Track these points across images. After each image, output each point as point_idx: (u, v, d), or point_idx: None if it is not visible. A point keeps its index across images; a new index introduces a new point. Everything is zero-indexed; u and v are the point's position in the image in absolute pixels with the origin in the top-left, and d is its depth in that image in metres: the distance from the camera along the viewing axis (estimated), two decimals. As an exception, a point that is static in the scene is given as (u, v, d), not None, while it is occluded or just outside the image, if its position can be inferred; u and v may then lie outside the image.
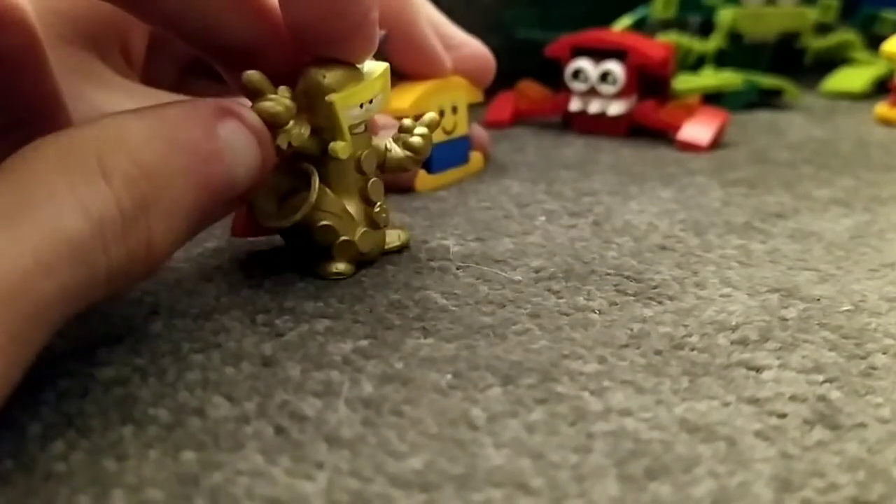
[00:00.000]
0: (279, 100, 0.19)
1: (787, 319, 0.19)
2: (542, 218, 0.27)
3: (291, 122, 0.20)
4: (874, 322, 0.19)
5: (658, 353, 0.18)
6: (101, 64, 0.25)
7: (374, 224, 0.22)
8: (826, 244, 0.25)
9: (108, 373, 0.17)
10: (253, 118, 0.19)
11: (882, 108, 0.42)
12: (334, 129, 0.21)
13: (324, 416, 0.15)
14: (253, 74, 0.19)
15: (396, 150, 0.23)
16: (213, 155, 0.17)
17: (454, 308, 0.20)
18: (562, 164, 0.34)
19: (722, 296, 0.21)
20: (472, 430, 0.15)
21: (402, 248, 0.24)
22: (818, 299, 0.20)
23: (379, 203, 0.22)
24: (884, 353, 0.18)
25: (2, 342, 0.13)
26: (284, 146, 0.20)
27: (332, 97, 0.20)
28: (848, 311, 0.20)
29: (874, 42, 0.53)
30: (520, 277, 0.22)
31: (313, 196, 0.20)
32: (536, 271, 0.22)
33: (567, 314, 0.20)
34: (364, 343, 0.18)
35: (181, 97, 0.22)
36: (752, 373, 0.17)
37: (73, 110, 0.23)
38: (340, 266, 0.22)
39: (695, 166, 0.34)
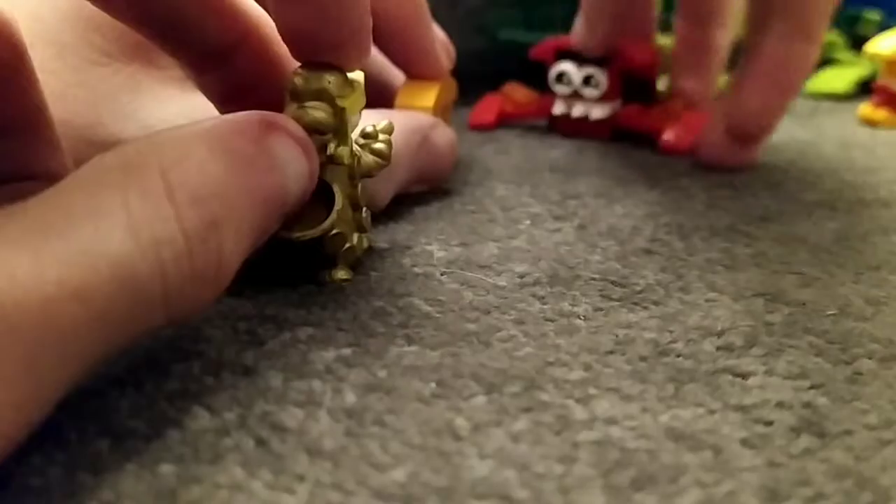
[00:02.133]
0: (324, 106, 0.19)
1: (772, 324, 0.19)
2: (527, 222, 0.27)
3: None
4: (859, 326, 0.19)
5: (643, 359, 0.18)
6: (151, 77, 0.25)
7: (362, 229, 0.22)
8: (811, 247, 0.25)
9: (84, 384, 0.16)
10: (296, 128, 0.19)
11: (865, 108, 0.43)
12: (340, 133, 0.21)
13: (305, 426, 0.15)
14: (303, 78, 0.19)
15: (366, 156, 0.22)
16: (269, 169, 0.17)
17: (438, 315, 0.20)
18: (547, 167, 0.34)
19: (707, 301, 0.21)
20: (455, 440, 0.15)
21: (369, 250, 0.23)
22: (803, 304, 0.20)
23: (364, 208, 0.22)
24: (869, 359, 0.18)
25: (12, 372, 0.12)
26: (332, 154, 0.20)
27: (343, 102, 0.20)
28: (833, 315, 0.20)
29: (857, 43, 0.53)
30: (504, 283, 0.22)
31: (339, 204, 0.20)
32: (521, 277, 0.22)
33: (552, 320, 0.20)
34: (347, 351, 0.18)
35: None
36: (738, 379, 0.17)
37: (121, 129, 0.23)
38: (342, 273, 0.22)
39: (679, 169, 0.34)
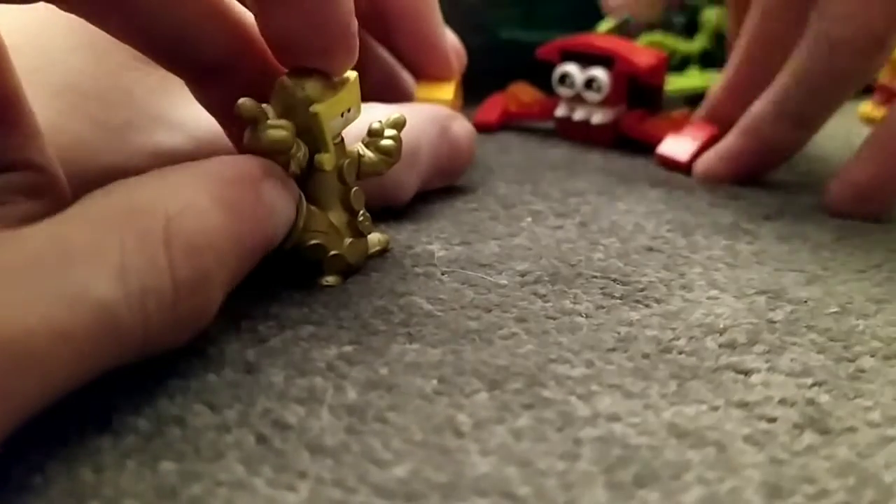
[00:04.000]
0: (284, 124, 0.19)
1: (774, 322, 0.19)
2: (529, 219, 0.27)
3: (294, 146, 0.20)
4: (861, 324, 0.19)
5: (646, 356, 0.18)
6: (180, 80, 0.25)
7: (359, 233, 0.22)
8: (812, 246, 0.25)
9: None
10: (283, 175, 0.19)
11: (866, 107, 0.43)
12: (318, 140, 0.20)
13: (307, 423, 0.15)
14: (248, 103, 0.19)
15: (370, 155, 0.22)
16: (263, 218, 0.18)
17: (439, 313, 0.20)
18: (549, 165, 0.34)
19: (709, 298, 0.21)
20: (457, 437, 0.15)
21: (383, 251, 0.23)
22: (805, 301, 0.20)
23: (361, 212, 0.22)
24: (872, 356, 0.17)
25: None
26: (298, 172, 0.20)
27: (316, 108, 0.20)
28: (835, 312, 0.20)
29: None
30: (505, 281, 0.22)
31: (301, 222, 0.20)
32: (522, 275, 0.22)
33: (554, 318, 0.20)
34: (348, 349, 0.18)
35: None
36: (741, 376, 0.17)
37: (153, 129, 0.23)
38: (330, 279, 0.21)
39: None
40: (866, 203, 0.28)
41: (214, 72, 0.20)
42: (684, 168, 0.34)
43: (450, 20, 0.32)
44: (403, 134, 0.23)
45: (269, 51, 0.20)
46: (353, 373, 0.17)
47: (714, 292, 0.21)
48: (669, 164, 0.34)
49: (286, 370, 0.17)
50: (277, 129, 0.19)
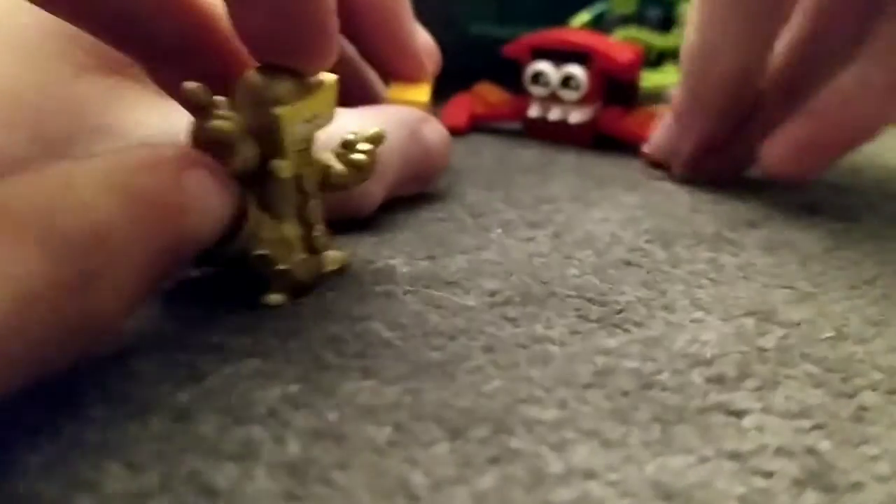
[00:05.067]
0: (230, 115, 0.17)
1: (765, 350, 0.18)
2: (499, 230, 0.25)
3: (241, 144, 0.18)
4: (860, 351, 0.18)
5: (625, 394, 0.16)
6: (130, 90, 0.23)
7: (313, 249, 0.20)
8: (801, 257, 0.23)
9: (-10, 434, 0.14)
10: (217, 166, 0.17)
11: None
12: (277, 145, 0.18)
13: (239, 487, 0.13)
14: (194, 87, 0.17)
15: (339, 167, 0.21)
16: (179, 211, 0.16)
17: (399, 342, 0.18)
18: (520, 168, 0.32)
19: (693, 321, 0.19)
20: (411, 501, 0.13)
21: (340, 270, 0.21)
22: (798, 324, 0.19)
23: (318, 226, 0.20)
24: (873, 391, 0.16)
25: None
26: (240, 170, 0.18)
27: (278, 110, 0.18)
28: (830, 338, 0.18)
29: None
30: (473, 303, 0.20)
31: (250, 227, 0.18)
32: (491, 294, 0.20)
33: (524, 346, 0.18)
34: (294, 388, 0.16)
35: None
36: (732, 419, 0.15)
37: (96, 142, 0.22)
38: (275, 297, 0.20)
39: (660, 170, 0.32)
40: (802, 161, 0.26)
41: (170, 57, 0.18)
42: (669, 167, 0.32)
43: (417, 15, 0.30)
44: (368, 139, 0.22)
45: (235, 41, 0.19)
46: (298, 419, 0.15)
47: (698, 314, 0.19)
48: (656, 166, 0.33)
49: (222, 417, 0.15)
50: (222, 121, 0.17)
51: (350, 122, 0.24)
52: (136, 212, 0.15)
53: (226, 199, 0.17)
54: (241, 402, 0.15)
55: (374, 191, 0.25)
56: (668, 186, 0.30)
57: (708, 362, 0.17)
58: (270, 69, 0.18)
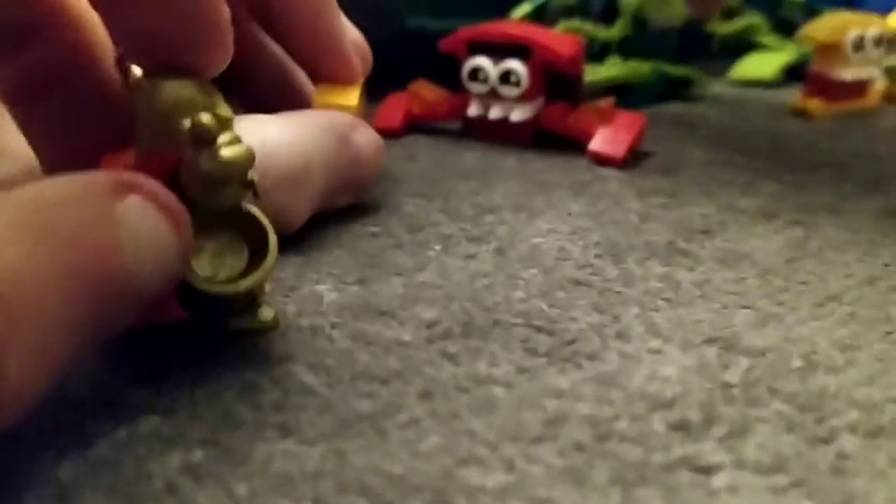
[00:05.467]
0: (237, 137, 0.16)
1: (731, 386, 0.16)
2: (438, 247, 0.23)
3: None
4: (832, 383, 0.16)
5: (580, 448, 0.14)
6: None
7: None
8: (761, 270, 0.21)
9: None
10: (163, 191, 0.14)
11: (797, 98, 0.40)
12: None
13: None
14: (206, 118, 0.15)
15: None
16: (110, 247, 0.13)
17: (324, 389, 0.16)
18: (460, 174, 0.30)
19: (651, 351, 0.17)
20: None
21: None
22: (763, 353, 0.17)
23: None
24: (852, 433, 0.14)
25: None
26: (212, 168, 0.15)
27: (204, 119, 0.16)
28: (799, 368, 0.17)
29: (781, 26, 0.51)
30: (409, 337, 0.18)
31: (274, 253, 0.16)
32: (429, 326, 0.18)
33: (465, 390, 0.16)
34: (199, 455, 0.14)
35: None
36: (700, 476, 0.13)
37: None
38: (270, 312, 0.18)
39: (607, 172, 0.30)
40: None
41: (5, 41, 0.16)
42: (619, 164, 0.31)
43: (349, 6, 0.27)
44: (292, 150, 0.20)
45: (83, 24, 0.16)
46: (199, 497, 0.13)
47: (656, 343, 0.18)
48: (602, 161, 0.31)
49: (108, 498, 0.13)
50: (235, 147, 0.15)
51: (271, 130, 0.22)
52: (54, 252, 0.12)
53: (173, 227, 0.14)
54: (134, 475, 0.13)
55: (298, 205, 0.22)
56: (615, 188, 0.28)
57: (669, 404, 0.15)
58: (163, 74, 0.16)
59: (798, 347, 0.17)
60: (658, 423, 0.15)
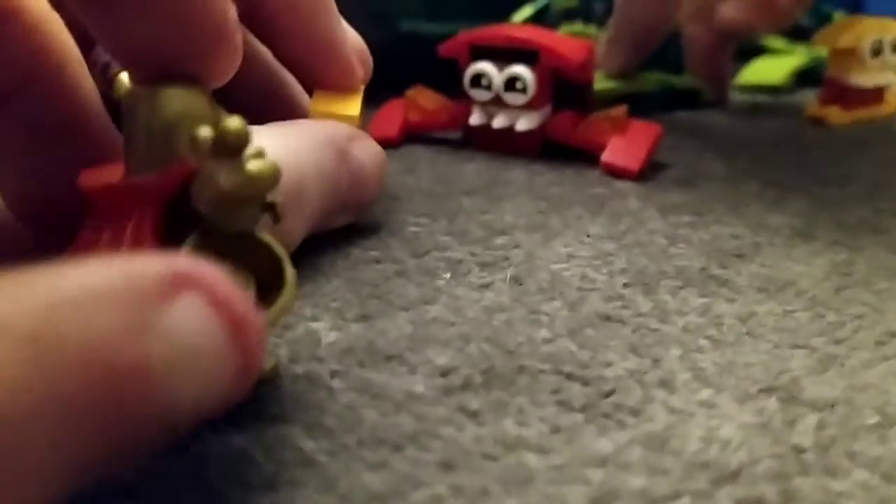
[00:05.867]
0: (262, 151, 0.14)
1: (803, 450, 0.14)
2: (447, 275, 0.21)
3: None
4: (918, 445, 0.14)
5: (638, 536, 0.12)
6: None
7: None
8: (808, 301, 0.19)
9: None
10: (226, 287, 0.11)
11: (813, 105, 0.38)
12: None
13: None
14: (238, 122, 0.13)
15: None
16: (134, 369, 0.09)
17: (324, 458, 0.13)
18: (464, 188, 0.28)
19: (702, 405, 0.15)
20: None
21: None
22: (832, 405, 0.15)
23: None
24: (956, 512, 0.12)
25: None
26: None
27: (203, 132, 0.14)
28: (877, 425, 0.14)
29: (789, 29, 0.49)
30: (421, 388, 0.15)
31: (292, 289, 0.14)
32: (444, 373, 0.16)
33: (493, 458, 0.13)
34: (176, 552, 0.11)
35: None
36: (789, 577, 0.11)
37: None
38: (272, 360, 0.16)
39: (622, 186, 0.28)
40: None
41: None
42: (634, 176, 0.28)
43: (342, 10, 0.25)
44: (285, 165, 0.17)
45: (42, 29, 0.15)
46: None
47: (706, 393, 0.15)
48: (617, 173, 0.29)
49: None
50: (262, 160, 0.13)
51: (261, 143, 0.19)
52: (53, 375, 0.09)
53: (232, 338, 0.10)
54: (97, 584, 0.11)
55: (293, 227, 0.20)
56: (635, 205, 0.26)
57: (735, 475, 0.13)
58: (161, 84, 0.14)
59: (869, 398, 0.15)
60: (726, 500, 0.12)
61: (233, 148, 0.13)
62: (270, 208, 0.14)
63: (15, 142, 0.17)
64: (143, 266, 0.10)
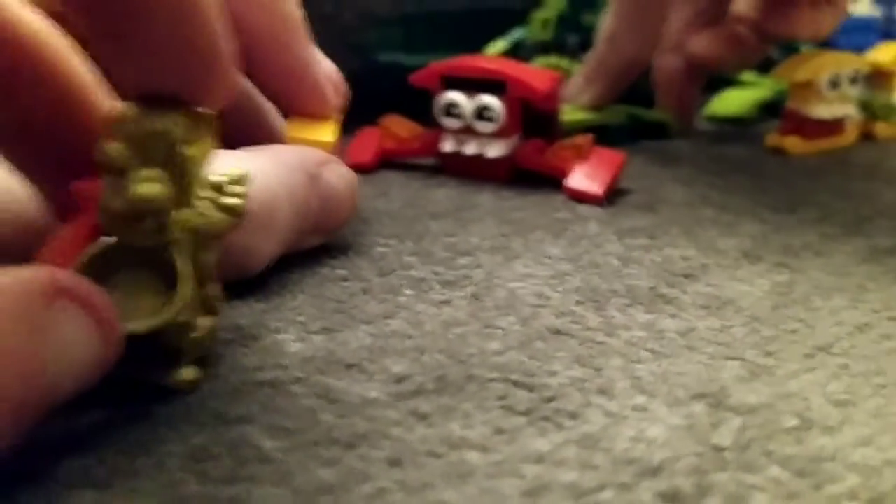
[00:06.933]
0: (157, 176, 0.15)
1: (722, 449, 0.15)
2: (409, 292, 0.22)
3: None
4: (829, 445, 0.15)
5: (563, 523, 0.13)
6: None
7: (212, 310, 0.17)
8: (746, 318, 0.20)
9: None
10: (92, 293, 0.14)
11: (774, 136, 0.40)
12: (184, 192, 0.16)
13: None
14: (117, 146, 0.15)
15: (213, 214, 0.17)
16: (32, 368, 0.12)
17: (281, 455, 0.14)
18: (433, 213, 0.29)
19: (636, 409, 0.16)
20: None
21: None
22: (754, 410, 0.16)
23: (212, 284, 0.17)
24: (851, 501, 0.13)
25: None
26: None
27: (190, 150, 0.15)
28: (794, 428, 0.15)
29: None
30: (376, 394, 0.17)
31: (187, 289, 0.15)
32: (399, 381, 0.17)
33: (438, 455, 0.15)
34: (139, 537, 0.12)
35: None
36: (695, 558, 0.12)
37: None
38: (191, 372, 0.16)
39: (585, 210, 0.29)
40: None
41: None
42: (599, 201, 0.30)
43: (322, 41, 0.26)
44: (257, 188, 0.19)
45: (67, 69, 0.16)
46: (137, 590, 0.11)
47: (641, 399, 0.16)
48: (581, 198, 0.30)
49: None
50: (151, 184, 0.15)
51: (236, 166, 0.21)
52: None
53: (97, 339, 0.14)
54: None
55: (262, 246, 0.21)
56: (595, 228, 0.27)
57: (657, 470, 0.14)
58: (151, 102, 0.15)
59: (790, 404, 0.16)
60: (645, 493, 0.13)
61: (110, 168, 0.14)
62: (229, 210, 0.16)
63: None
64: (28, 276, 0.13)
